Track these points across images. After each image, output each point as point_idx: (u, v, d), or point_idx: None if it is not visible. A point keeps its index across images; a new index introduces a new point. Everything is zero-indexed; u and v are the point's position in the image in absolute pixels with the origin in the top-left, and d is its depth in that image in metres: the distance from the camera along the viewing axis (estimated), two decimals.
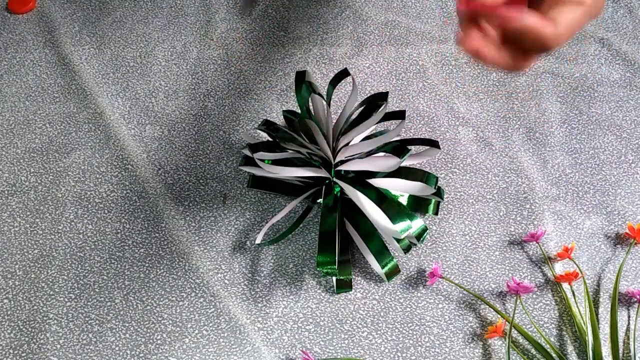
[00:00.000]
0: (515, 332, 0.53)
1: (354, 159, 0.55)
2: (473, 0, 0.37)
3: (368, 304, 0.56)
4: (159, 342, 0.54)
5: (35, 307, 0.56)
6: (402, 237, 0.52)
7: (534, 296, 0.56)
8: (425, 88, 0.68)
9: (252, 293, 0.57)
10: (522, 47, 0.40)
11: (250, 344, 0.54)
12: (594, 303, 0.56)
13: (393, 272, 0.56)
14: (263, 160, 0.56)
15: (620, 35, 0.72)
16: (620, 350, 0.53)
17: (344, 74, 0.55)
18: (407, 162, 0.60)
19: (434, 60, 0.71)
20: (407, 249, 0.58)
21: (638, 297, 0.54)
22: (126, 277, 0.58)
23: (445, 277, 0.57)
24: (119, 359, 0.54)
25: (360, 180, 0.55)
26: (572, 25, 0.38)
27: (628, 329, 0.54)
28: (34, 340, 0.55)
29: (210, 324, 0.55)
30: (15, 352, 0.54)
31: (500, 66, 0.41)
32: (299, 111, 0.56)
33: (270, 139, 0.61)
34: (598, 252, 0.58)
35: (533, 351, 0.53)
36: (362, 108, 0.57)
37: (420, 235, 0.57)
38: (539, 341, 0.53)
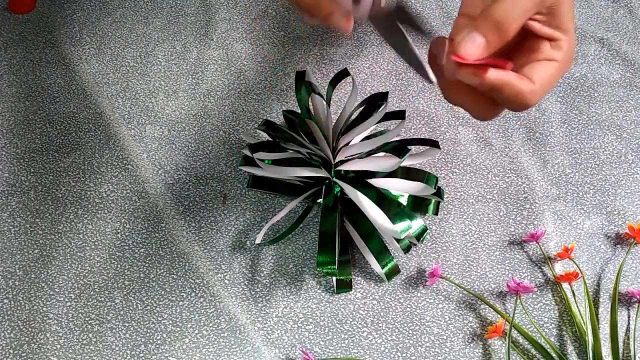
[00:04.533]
0: (515, 332, 0.53)
1: (354, 158, 0.55)
2: (461, 56, 0.37)
3: (368, 304, 0.56)
4: (159, 342, 0.54)
5: (35, 307, 0.56)
6: (402, 237, 0.52)
7: (534, 296, 0.56)
8: (425, 88, 0.68)
9: (252, 293, 0.57)
10: (497, 101, 0.39)
11: (250, 344, 0.54)
12: (594, 303, 0.56)
13: (393, 272, 0.56)
14: (263, 160, 0.56)
15: (620, 35, 0.72)
16: (620, 350, 0.53)
17: (344, 74, 0.55)
18: (407, 162, 0.60)
19: None
20: (407, 249, 0.58)
21: (638, 297, 0.54)
22: (126, 277, 0.58)
23: (445, 277, 0.57)
24: (119, 359, 0.54)
25: (360, 180, 0.55)
26: (546, 82, 0.38)
27: (628, 329, 0.54)
28: (34, 340, 0.55)
29: (210, 324, 0.55)
30: (15, 352, 0.54)
31: (472, 114, 0.41)
32: (299, 111, 0.56)
33: (270, 139, 0.61)
34: (598, 252, 0.58)
35: (533, 351, 0.53)
36: (362, 108, 0.57)
37: (420, 236, 0.57)
38: (539, 341, 0.53)
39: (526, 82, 0.37)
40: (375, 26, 0.39)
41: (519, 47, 0.40)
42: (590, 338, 0.52)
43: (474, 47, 0.36)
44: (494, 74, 0.36)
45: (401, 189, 0.56)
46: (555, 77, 0.39)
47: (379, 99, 0.56)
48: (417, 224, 0.57)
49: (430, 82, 0.38)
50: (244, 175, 0.63)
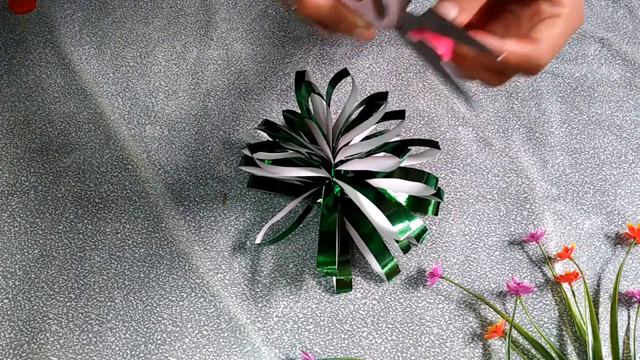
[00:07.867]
0: (515, 332, 0.53)
1: (353, 158, 0.55)
2: (423, 33, 0.36)
3: (368, 304, 0.56)
4: (159, 342, 0.54)
5: (35, 307, 0.56)
6: (401, 238, 0.52)
7: (534, 296, 0.56)
8: (425, 88, 0.68)
9: (252, 293, 0.57)
10: (505, 72, 0.38)
11: (250, 344, 0.54)
12: (594, 303, 0.56)
13: (393, 272, 0.56)
14: (263, 160, 0.56)
15: (620, 35, 0.72)
16: (620, 350, 0.53)
17: (343, 74, 0.55)
18: (407, 163, 0.60)
19: None
20: (406, 249, 0.58)
21: (638, 297, 0.54)
22: (126, 277, 0.58)
23: (445, 277, 0.57)
24: (119, 359, 0.54)
25: (360, 180, 0.55)
26: (553, 38, 0.37)
27: (628, 329, 0.54)
28: (34, 340, 0.55)
29: (210, 324, 0.55)
30: (15, 352, 0.54)
31: (483, 83, 0.41)
32: (299, 111, 0.56)
33: (270, 139, 0.61)
34: (598, 252, 0.58)
35: (533, 351, 0.53)
36: (362, 108, 0.57)
37: (419, 236, 0.57)
38: (539, 341, 0.53)
39: (528, 44, 0.37)
40: (404, 38, 0.36)
41: (521, 15, 0.39)
42: (590, 338, 0.52)
43: (449, 13, 0.36)
44: (497, 50, 0.36)
45: (401, 189, 0.56)
46: (563, 33, 0.37)
47: (378, 98, 0.56)
48: (416, 224, 0.57)
49: (472, 107, 0.37)
50: (244, 175, 0.63)
